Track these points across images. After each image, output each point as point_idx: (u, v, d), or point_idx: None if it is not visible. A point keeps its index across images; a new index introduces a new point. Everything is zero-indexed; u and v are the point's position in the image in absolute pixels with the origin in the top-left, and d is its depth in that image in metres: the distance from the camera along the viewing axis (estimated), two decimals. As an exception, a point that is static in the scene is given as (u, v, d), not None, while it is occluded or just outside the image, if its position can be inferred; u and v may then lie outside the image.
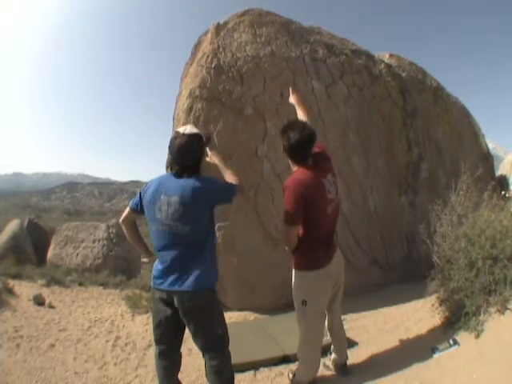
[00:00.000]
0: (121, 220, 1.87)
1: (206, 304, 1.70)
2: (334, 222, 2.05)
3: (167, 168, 1.86)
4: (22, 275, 6.55)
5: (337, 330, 2.25)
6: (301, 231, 1.92)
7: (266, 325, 3.14)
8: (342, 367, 2.27)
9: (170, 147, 1.74)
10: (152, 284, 1.75)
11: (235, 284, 3.71)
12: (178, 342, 1.81)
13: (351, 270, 3.86)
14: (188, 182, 1.67)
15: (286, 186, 1.86)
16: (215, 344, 1.73)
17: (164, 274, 1.68)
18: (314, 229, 1.91)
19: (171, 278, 1.66)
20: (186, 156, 1.70)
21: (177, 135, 1.73)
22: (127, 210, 1.85)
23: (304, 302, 1.96)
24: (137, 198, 1.80)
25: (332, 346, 2.31)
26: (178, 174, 1.71)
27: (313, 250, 1.94)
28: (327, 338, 2.55)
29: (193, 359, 2.60)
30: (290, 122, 2.00)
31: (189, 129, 1.75)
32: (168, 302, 1.69)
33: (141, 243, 1.95)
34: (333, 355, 2.30)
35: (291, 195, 1.81)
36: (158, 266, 1.73)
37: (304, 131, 1.84)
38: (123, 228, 1.90)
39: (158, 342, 1.77)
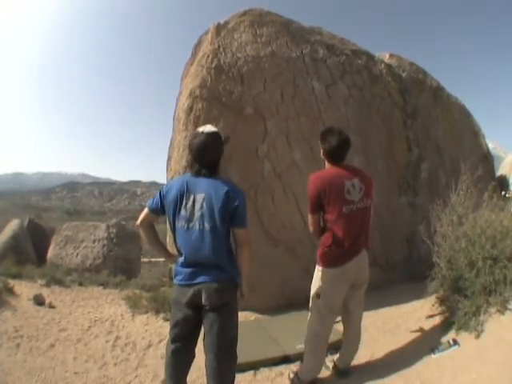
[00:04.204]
0: (139, 222, 1.81)
1: (230, 301, 1.71)
2: (356, 225, 2.06)
3: (189, 167, 1.86)
4: (22, 275, 6.53)
5: (350, 332, 2.25)
6: (323, 230, 2.06)
7: (266, 325, 3.14)
8: (341, 371, 2.26)
9: (189, 147, 1.76)
10: (176, 281, 1.73)
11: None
12: (194, 341, 1.79)
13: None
14: (215, 183, 1.69)
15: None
16: (226, 345, 1.70)
17: (190, 271, 1.67)
18: (333, 228, 2.01)
19: (197, 273, 1.66)
20: (205, 154, 1.71)
21: (196, 134, 1.75)
22: (145, 211, 1.80)
23: (318, 296, 2.09)
24: (157, 198, 1.77)
25: (341, 347, 2.31)
26: (199, 173, 1.72)
27: (332, 248, 2.03)
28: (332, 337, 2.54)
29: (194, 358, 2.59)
30: (327, 128, 2.21)
31: (208, 128, 1.77)
32: (191, 301, 1.66)
33: (160, 245, 1.92)
34: (337, 356, 2.31)
35: (310, 186, 2.05)
36: (182, 263, 1.71)
37: (341, 135, 2.09)
38: (141, 231, 1.84)
39: (173, 340, 1.75)
